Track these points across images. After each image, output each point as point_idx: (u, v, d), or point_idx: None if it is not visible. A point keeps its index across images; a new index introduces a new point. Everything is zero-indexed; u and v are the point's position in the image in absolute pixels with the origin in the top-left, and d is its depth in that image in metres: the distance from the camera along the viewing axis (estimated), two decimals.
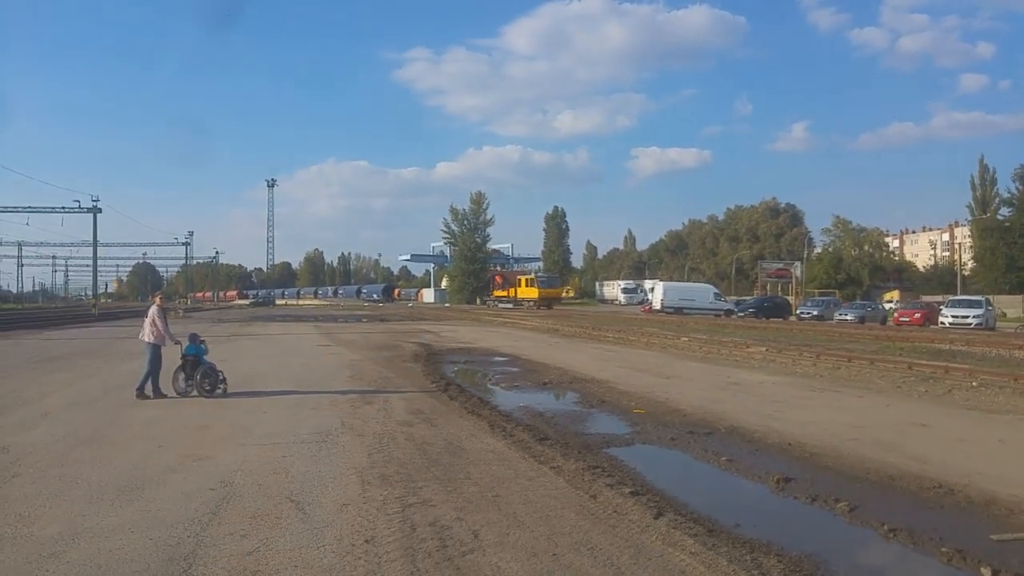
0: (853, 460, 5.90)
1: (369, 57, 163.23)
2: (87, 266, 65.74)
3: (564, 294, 75.25)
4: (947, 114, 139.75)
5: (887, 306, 39.11)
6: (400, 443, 6.07)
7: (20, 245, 79.42)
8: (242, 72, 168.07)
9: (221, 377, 8.72)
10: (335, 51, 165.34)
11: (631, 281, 72.53)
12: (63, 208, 46.75)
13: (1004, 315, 35.47)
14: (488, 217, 71.76)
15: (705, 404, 8.74)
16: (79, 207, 44.44)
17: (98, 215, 43.81)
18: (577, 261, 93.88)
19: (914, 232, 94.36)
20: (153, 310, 8.53)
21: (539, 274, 60.81)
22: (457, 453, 5.75)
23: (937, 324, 28.90)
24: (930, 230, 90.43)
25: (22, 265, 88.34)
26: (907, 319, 31.34)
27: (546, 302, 51.53)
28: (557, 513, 4.24)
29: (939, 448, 6.41)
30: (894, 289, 50.80)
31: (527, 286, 55.15)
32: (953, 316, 28.34)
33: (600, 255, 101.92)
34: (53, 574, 3.24)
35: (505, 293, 58.15)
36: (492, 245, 74.52)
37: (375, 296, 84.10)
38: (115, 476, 4.89)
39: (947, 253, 75.63)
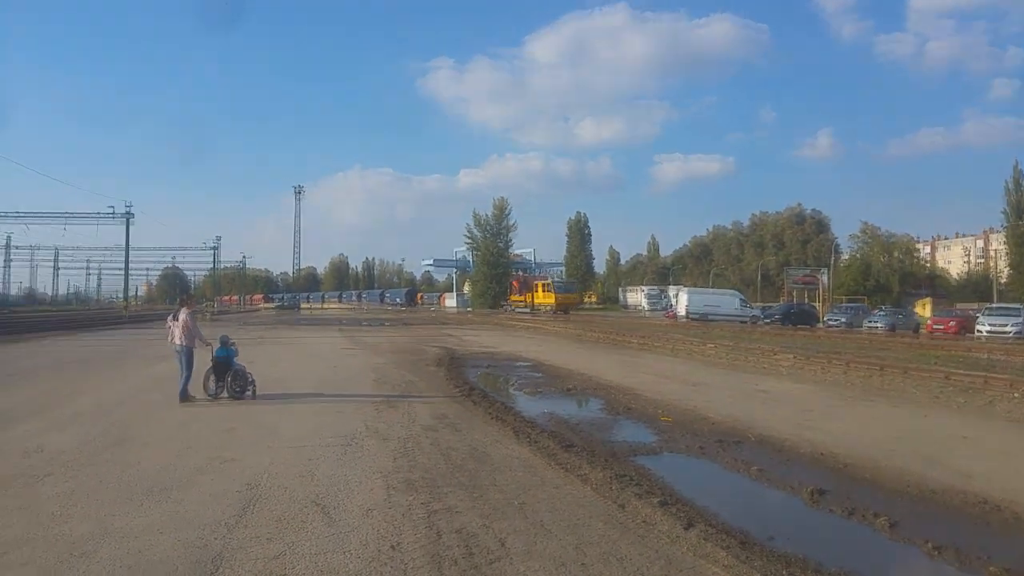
0: (891, 473, 5.70)
1: (393, 66, 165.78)
2: (119, 270, 67.97)
3: (587, 300, 75.11)
4: (979, 119, 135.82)
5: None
6: (425, 448, 6.05)
7: (57, 250, 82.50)
8: (269, 81, 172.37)
9: (251, 379, 8.82)
10: (360, 60, 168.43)
11: (655, 287, 71.78)
12: (98, 214, 48.53)
13: None
14: (511, 223, 71.60)
15: (733, 412, 8.55)
16: (113, 213, 46.05)
17: (130, 221, 45.37)
18: (600, 267, 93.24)
19: (947, 239, 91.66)
20: (185, 314, 8.66)
21: (556, 280, 60.72)
22: (482, 459, 5.69)
23: (973, 333, 27.95)
24: (964, 237, 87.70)
25: (58, 269, 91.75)
26: (941, 328, 30.37)
27: (563, 308, 51.53)
28: (585, 522, 4.15)
29: (982, 462, 6.17)
30: (926, 297, 49.24)
31: (544, 292, 55.26)
32: (991, 325, 27.35)
33: (623, 261, 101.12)
34: (84, 573, 3.28)
35: (522, 299, 58.31)
36: (515, 251, 74.57)
37: (398, 301, 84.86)
38: (144, 477, 4.96)
39: (982, 260, 73.21)
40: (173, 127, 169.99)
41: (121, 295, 72.50)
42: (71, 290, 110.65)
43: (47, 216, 52.32)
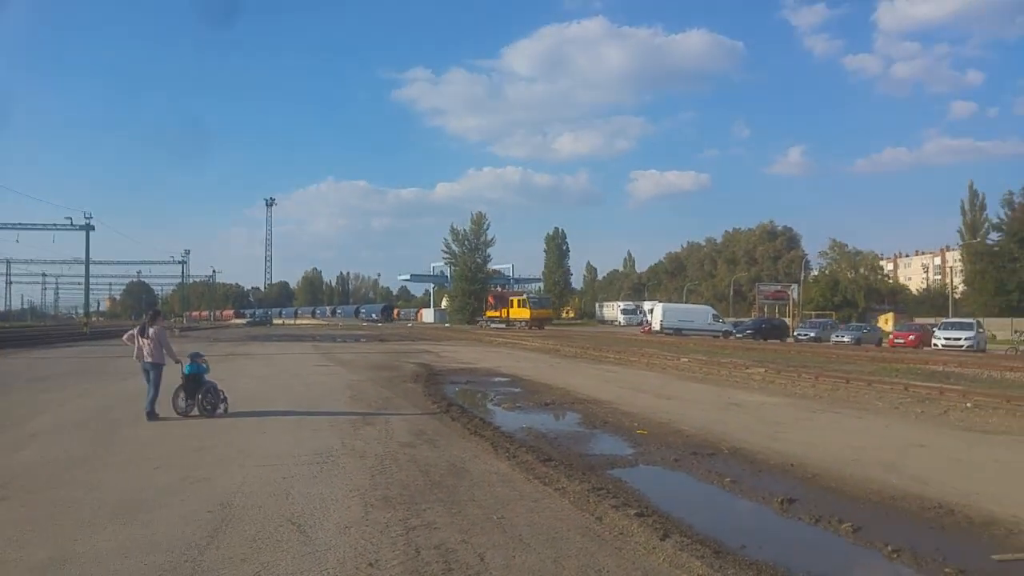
0: (855, 481, 5.92)
1: (368, 76, 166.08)
2: (78, 284, 65.47)
3: (564, 315, 75.82)
4: (938, 140, 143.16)
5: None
6: (402, 465, 6.00)
7: (8, 262, 78.97)
8: (240, 91, 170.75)
9: (223, 396, 8.64)
10: (333, 70, 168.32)
11: (630, 302, 72.84)
12: (55, 225, 46.64)
13: (994, 337, 35.76)
14: (489, 238, 72.11)
15: (707, 425, 8.73)
16: (71, 224, 44.31)
17: (91, 232, 43.76)
18: (578, 282, 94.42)
19: (907, 256, 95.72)
20: (156, 330, 8.45)
21: (531, 295, 61.56)
22: (460, 475, 5.68)
23: (930, 346, 29.13)
24: (923, 254, 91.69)
25: (11, 283, 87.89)
26: (901, 341, 31.60)
27: (537, 322, 52.45)
28: (563, 535, 4.19)
29: (938, 468, 6.47)
30: (889, 311, 51.16)
31: (519, 307, 56.17)
32: (946, 338, 28.64)
33: (600, 276, 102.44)
34: None
35: (498, 313, 58.93)
36: (493, 266, 74.80)
37: (374, 316, 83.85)
38: (109, 499, 4.79)
39: (939, 277, 76.51)
40: (139, 140, 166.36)
41: (80, 309, 69.83)
42: (25, 304, 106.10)
43: None
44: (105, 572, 3.46)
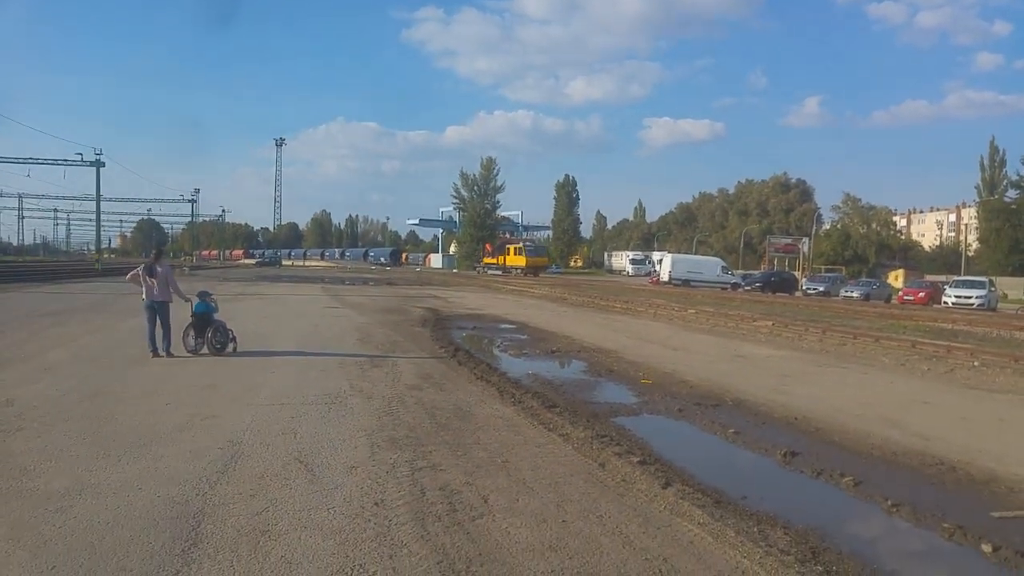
0: (858, 435, 5.93)
1: (378, 14, 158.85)
2: (90, 220, 65.62)
3: (572, 264, 75.93)
4: (961, 93, 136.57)
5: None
6: (409, 407, 6.07)
7: (20, 197, 78.94)
8: (249, 26, 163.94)
9: (232, 335, 8.71)
10: (342, 7, 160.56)
11: (639, 252, 72.40)
12: (66, 160, 46.21)
13: (1006, 296, 35.37)
14: (498, 183, 70.97)
15: (712, 376, 8.74)
16: (82, 160, 43.87)
17: (101, 169, 43.38)
18: (587, 231, 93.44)
19: (921, 212, 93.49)
20: (164, 269, 8.43)
21: (527, 243, 61.63)
22: (466, 418, 5.75)
23: (940, 304, 28.88)
24: (937, 210, 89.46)
25: (23, 217, 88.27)
26: (911, 298, 31.33)
27: (533, 270, 53.25)
28: (566, 480, 4.24)
29: (941, 426, 6.46)
30: (899, 268, 50.51)
31: (515, 254, 56.77)
32: (956, 296, 28.30)
33: (610, 225, 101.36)
34: (60, 529, 3.23)
35: (495, 260, 59.29)
36: (502, 212, 74.04)
37: (382, 259, 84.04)
38: (122, 432, 4.89)
39: (953, 234, 74.98)
40: (149, 77, 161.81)
41: (92, 245, 70.38)
42: (38, 240, 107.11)
43: (9, 160, 49.56)
44: (119, 503, 3.55)
